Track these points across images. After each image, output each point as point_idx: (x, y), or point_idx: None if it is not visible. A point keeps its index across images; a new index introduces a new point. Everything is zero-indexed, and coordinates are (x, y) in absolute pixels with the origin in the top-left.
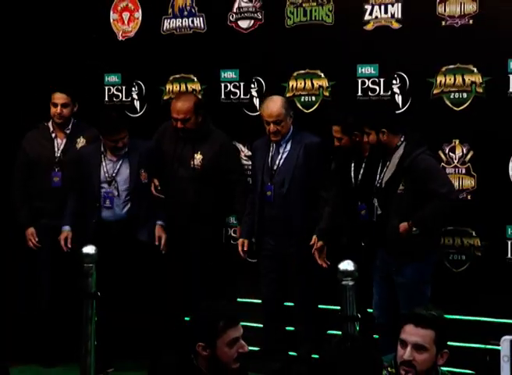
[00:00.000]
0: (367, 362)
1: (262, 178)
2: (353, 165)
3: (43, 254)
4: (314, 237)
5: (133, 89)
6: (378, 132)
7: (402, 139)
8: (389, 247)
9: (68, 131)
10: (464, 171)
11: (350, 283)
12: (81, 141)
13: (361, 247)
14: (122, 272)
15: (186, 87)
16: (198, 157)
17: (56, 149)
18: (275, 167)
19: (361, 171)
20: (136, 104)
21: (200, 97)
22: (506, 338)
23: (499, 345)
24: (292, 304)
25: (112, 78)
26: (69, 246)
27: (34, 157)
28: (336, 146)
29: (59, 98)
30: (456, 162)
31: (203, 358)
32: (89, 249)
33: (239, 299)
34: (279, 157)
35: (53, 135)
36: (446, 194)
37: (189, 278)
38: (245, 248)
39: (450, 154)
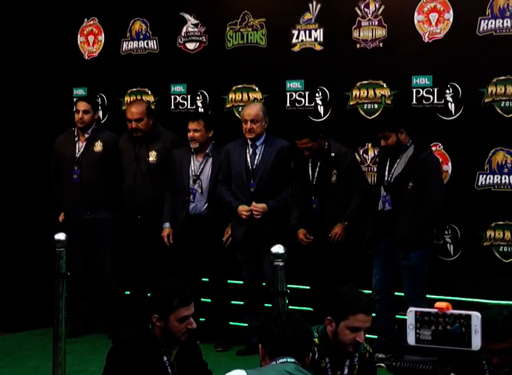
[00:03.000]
0: (301, 333)
1: (243, 176)
2: (310, 165)
3: (74, 241)
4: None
5: (97, 101)
6: (398, 132)
7: (410, 141)
8: (399, 236)
9: (87, 136)
10: (375, 170)
11: (281, 263)
12: (98, 144)
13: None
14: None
15: (142, 99)
16: (153, 154)
17: (77, 151)
18: (254, 166)
19: (317, 170)
20: (99, 113)
21: (150, 104)
22: (411, 310)
23: (405, 315)
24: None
25: (79, 91)
26: (171, 242)
27: (61, 156)
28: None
29: (81, 105)
30: (368, 162)
31: (157, 328)
32: (60, 236)
33: None
34: (256, 158)
35: (76, 139)
36: (435, 201)
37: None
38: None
39: (364, 155)
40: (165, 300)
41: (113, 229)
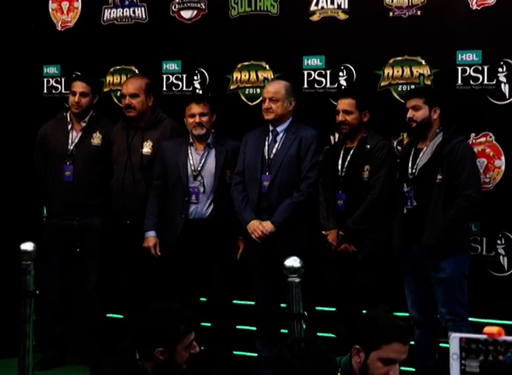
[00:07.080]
0: (322, 364)
1: (256, 167)
2: (341, 156)
3: (55, 253)
4: None
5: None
6: (432, 108)
7: (440, 128)
8: (428, 240)
9: (84, 124)
10: None
11: (297, 280)
12: (96, 136)
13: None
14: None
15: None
16: (148, 144)
17: (70, 142)
18: (271, 156)
19: (347, 161)
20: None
21: (151, 83)
22: (455, 336)
23: (448, 343)
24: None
25: (51, 70)
26: (159, 253)
27: (48, 148)
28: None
29: (78, 86)
30: None
31: (155, 362)
32: (27, 246)
33: None
34: (276, 146)
35: (69, 127)
36: (468, 196)
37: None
38: None
39: (398, 147)
40: (171, 328)
41: (102, 238)
